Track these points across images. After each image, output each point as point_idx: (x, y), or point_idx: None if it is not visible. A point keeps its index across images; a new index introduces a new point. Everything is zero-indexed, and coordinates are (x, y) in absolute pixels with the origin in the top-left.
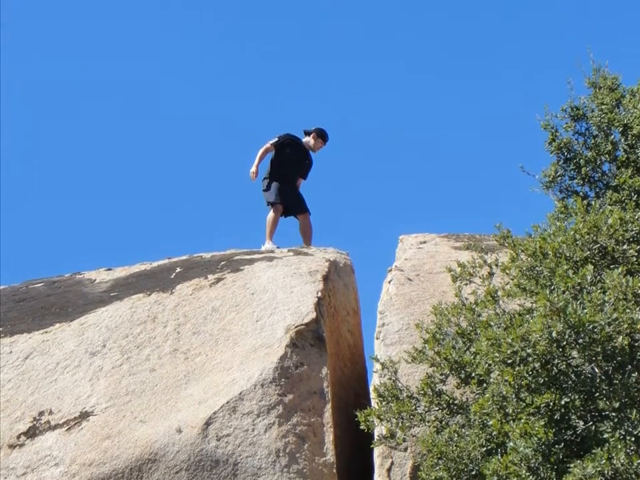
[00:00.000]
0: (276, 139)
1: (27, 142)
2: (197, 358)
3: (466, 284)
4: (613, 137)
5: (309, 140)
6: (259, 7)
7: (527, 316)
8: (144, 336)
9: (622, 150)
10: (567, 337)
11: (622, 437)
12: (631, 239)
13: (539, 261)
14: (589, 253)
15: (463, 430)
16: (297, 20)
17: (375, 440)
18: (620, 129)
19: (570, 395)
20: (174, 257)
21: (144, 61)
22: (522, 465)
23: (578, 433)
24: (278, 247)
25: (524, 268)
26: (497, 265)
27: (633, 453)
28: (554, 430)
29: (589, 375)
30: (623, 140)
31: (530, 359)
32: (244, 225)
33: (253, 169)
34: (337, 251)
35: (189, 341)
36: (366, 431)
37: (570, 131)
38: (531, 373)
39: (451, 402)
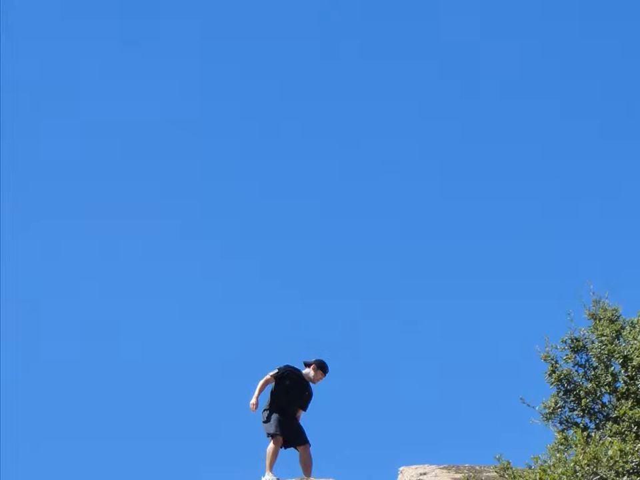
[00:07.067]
0: (276, 371)
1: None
2: None
3: None
4: (613, 368)
5: (308, 371)
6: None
7: None
8: None
9: (622, 381)
10: None
11: None
12: (631, 470)
13: None
14: None
15: None
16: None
17: None
18: (620, 361)
19: None
20: None
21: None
22: None
23: None
24: (278, 479)
25: None
26: None
27: None
28: None
29: None
30: (623, 371)
31: None
32: (243, 456)
33: (253, 400)
34: None
35: None
36: None
37: (570, 362)
38: None
39: None
